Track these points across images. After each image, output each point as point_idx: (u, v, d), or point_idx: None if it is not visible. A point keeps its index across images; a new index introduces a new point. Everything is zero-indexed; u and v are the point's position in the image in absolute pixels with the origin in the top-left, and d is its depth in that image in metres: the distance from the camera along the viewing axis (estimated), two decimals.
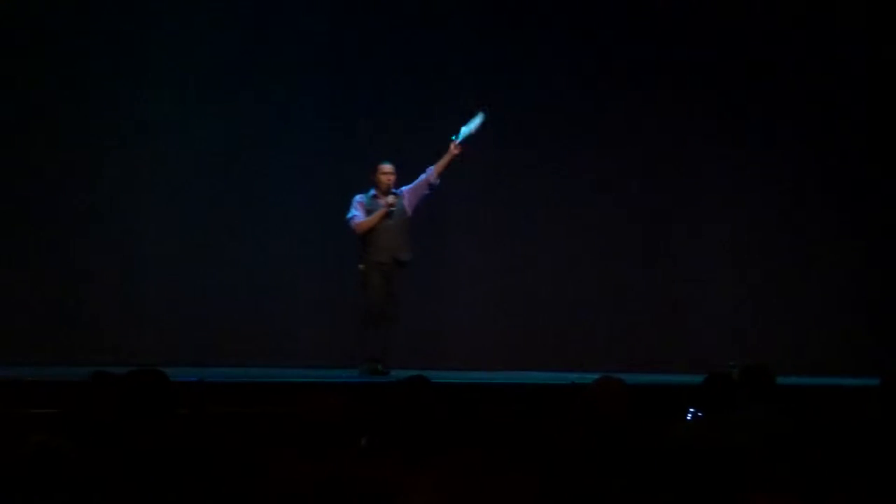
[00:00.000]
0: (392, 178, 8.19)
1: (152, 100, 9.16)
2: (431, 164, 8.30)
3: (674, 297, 10.45)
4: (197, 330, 9.10)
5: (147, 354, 8.06)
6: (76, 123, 8.97)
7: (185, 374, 6.48)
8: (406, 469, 3.31)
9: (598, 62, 10.24)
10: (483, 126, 8.28)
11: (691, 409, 5.36)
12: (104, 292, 8.99)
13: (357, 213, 8.19)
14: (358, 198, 8.23)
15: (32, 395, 5.85)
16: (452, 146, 8.21)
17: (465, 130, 8.24)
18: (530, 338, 9.91)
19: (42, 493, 3.11)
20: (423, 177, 8.29)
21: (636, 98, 10.29)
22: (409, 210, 8.28)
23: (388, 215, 8.15)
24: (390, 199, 8.16)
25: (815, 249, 10.71)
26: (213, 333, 9.13)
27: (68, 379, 5.43)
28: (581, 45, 10.21)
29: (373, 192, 8.23)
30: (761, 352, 9.19)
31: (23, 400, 5.77)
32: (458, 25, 10.00)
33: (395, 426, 3.68)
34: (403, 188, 8.27)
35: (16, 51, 8.79)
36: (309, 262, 9.55)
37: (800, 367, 9.03)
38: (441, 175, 8.28)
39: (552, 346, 9.89)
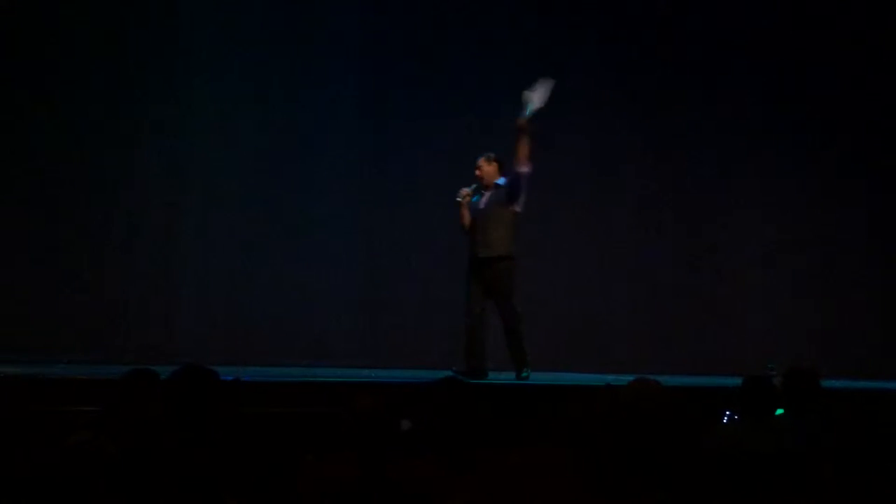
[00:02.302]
0: (477, 171, 7.83)
1: (190, 103, 9.24)
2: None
3: (711, 299, 10.39)
4: (233, 329, 9.16)
5: (184, 353, 8.12)
6: (113, 127, 9.04)
7: (222, 374, 6.50)
8: (445, 469, 3.32)
9: (646, 70, 10.22)
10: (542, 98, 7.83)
11: (727, 412, 5.34)
12: (143, 291, 9.07)
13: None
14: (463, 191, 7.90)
15: (73, 393, 5.91)
16: (519, 122, 7.69)
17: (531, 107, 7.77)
18: (565, 338, 9.89)
19: (83, 491, 3.13)
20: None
21: (680, 104, 10.27)
22: (507, 202, 7.78)
23: (470, 208, 7.77)
24: (464, 189, 7.84)
25: (855, 252, 10.61)
26: (248, 332, 9.19)
27: (108, 377, 5.48)
28: (624, 51, 10.20)
29: (474, 185, 7.91)
30: (800, 354, 9.12)
31: (63, 398, 5.83)
32: (492, 25, 10.00)
33: (434, 427, 3.69)
34: (501, 180, 7.85)
35: (58, 55, 8.87)
36: (343, 262, 9.58)
37: (838, 370, 8.96)
38: (528, 158, 7.69)
39: (588, 347, 9.87)
